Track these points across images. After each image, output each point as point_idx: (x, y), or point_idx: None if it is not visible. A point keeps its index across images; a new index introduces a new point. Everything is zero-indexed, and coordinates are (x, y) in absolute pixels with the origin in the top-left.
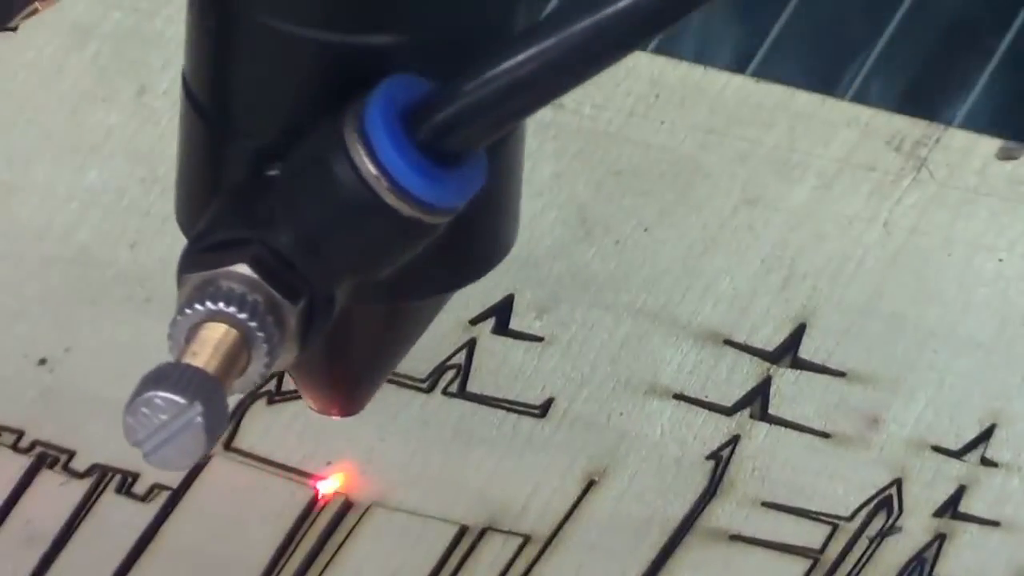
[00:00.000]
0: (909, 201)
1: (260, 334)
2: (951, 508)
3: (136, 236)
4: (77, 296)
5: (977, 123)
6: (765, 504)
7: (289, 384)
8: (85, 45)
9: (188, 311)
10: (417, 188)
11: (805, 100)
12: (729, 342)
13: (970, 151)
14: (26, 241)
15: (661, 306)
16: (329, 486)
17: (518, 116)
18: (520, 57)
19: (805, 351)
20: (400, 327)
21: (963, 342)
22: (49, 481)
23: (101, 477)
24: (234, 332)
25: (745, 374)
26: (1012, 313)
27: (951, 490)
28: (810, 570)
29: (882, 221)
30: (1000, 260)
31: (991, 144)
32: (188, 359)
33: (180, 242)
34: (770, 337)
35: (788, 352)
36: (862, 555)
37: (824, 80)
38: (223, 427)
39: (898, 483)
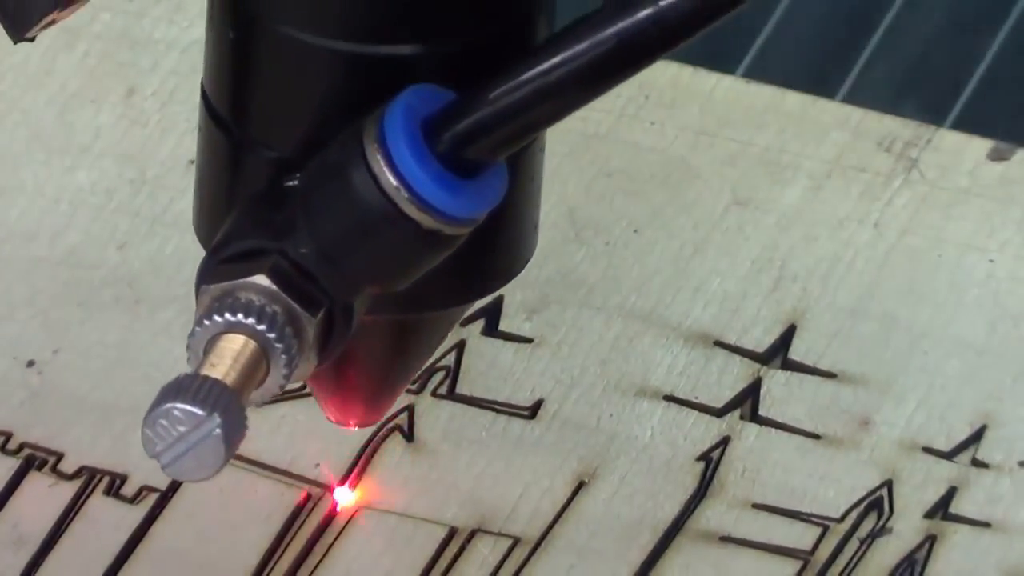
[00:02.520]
0: (900, 202)
1: (279, 346)
2: (942, 509)
3: (125, 238)
4: (66, 298)
5: (968, 124)
6: (756, 505)
7: None
8: (74, 46)
9: (207, 322)
10: (437, 199)
11: (795, 101)
12: (719, 343)
13: (961, 152)
14: (14, 242)
15: (651, 307)
16: (346, 498)
17: (539, 127)
18: (541, 67)
19: (795, 352)
20: (418, 338)
21: (954, 343)
22: (37, 483)
23: (89, 479)
24: (253, 344)
25: (735, 375)
26: (1003, 314)
27: (942, 491)
28: (800, 571)
29: (873, 222)
30: (991, 261)
31: (982, 145)
32: (207, 371)
33: (169, 244)
34: (760, 338)
35: (778, 353)
36: (853, 556)
37: (815, 81)
38: (240, 438)
39: (889, 484)
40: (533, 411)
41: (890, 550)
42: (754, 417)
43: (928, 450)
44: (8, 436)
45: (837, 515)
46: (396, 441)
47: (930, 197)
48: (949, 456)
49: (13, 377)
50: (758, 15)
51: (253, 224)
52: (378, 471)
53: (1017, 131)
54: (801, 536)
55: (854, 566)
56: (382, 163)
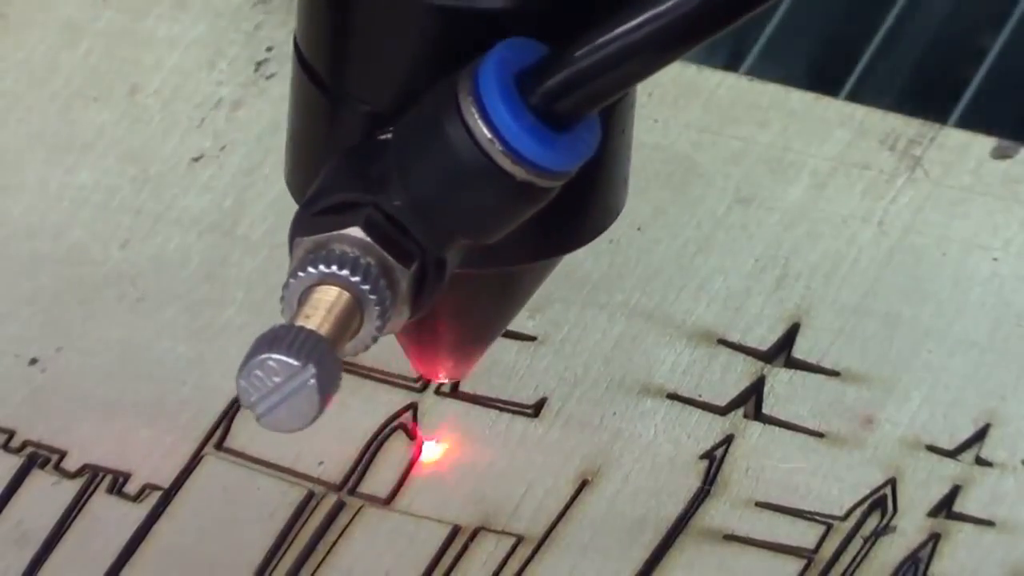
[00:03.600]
0: (903, 200)
1: (372, 297)
2: (946, 508)
3: (128, 235)
4: (68, 295)
5: (972, 122)
6: (759, 504)
7: None
8: (77, 43)
9: (301, 274)
10: (531, 152)
11: (799, 99)
12: (723, 341)
13: (965, 150)
14: (17, 240)
15: (655, 305)
16: (433, 452)
17: (631, 81)
18: (634, 21)
19: (799, 350)
20: (509, 291)
21: (958, 341)
22: (40, 481)
23: (92, 477)
24: (347, 295)
25: (739, 373)
26: (1007, 312)
27: (945, 490)
28: (804, 570)
29: (876, 220)
30: (995, 259)
31: (986, 143)
32: (301, 322)
33: (171, 242)
34: (764, 336)
35: (782, 351)
36: (856, 555)
37: (818, 79)
38: (335, 389)
39: (892, 483)
40: (536, 409)
41: (894, 548)
42: (758, 415)
43: (932, 448)
44: (11, 434)
45: (841, 513)
46: (399, 439)
47: (934, 195)
48: (953, 454)
49: (16, 375)
50: (761, 13)
51: (347, 177)
52: (382, 469)
53: (1021, 129)
54: (805, 534)
55: (858, 564)
56: (476, 116)
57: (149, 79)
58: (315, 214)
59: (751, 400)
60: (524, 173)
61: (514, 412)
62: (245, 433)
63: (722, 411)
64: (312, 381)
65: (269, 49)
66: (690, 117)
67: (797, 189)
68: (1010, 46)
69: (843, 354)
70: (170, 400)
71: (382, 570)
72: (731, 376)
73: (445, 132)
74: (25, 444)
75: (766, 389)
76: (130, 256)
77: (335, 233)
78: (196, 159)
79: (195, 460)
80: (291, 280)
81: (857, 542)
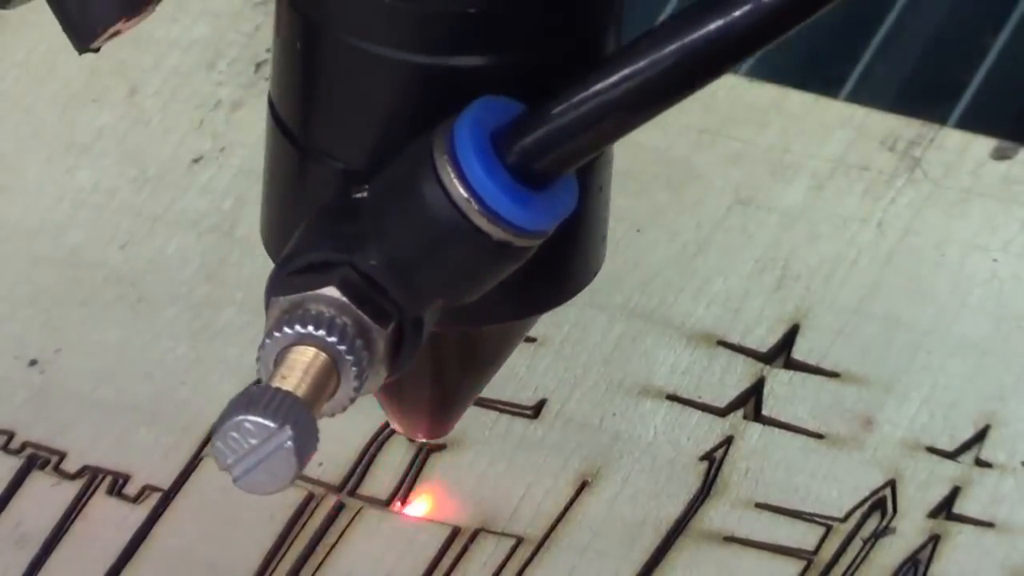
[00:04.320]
0: (903, 201)
1: (349, 358)
2: (945, 509)
3: (127, 237)
4: (68, 297)
5: (971, 123)
6: (759, 505)
7: None
8: None
9: (277, 334)
10: (508, 211)
11: (799, 100)
12: (722, 343)
13: (964, 151)
14: (17, 241)
15: (654, 307)
16: (416, 510)
17: (609, 139)
18: (611, 79)
19: (799, 352)
20: (488, 350)
21: (957, 343)
22: (40, 482)
23: (92, 478)
24: (323, 356)
25: (739, 375)
26: (1006, 313)
27: (945, 491)
28: (804, 571)
29: (876, 221)
30: (994, 260)
31: (985, 144)
32: (278, 383)
33: (171, 243)
34: (763, 338)
35: (782, 353)
36: (856, 556)
37: (818, 80)
38: (313, 451)
39: (892, 484)
40: (536, 411)
41: (893, 550)
42: (757, 417)
43: (932, 450)
44: (10, 435)
45: (840, 515)
46: (397, 441)
47: (933, 196)
48: (953, 456)
49: (15, 376)
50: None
51: (322, 236)
52: (381, 471)
53: (1020, 130)
54: (804, 536)
55: (857, 566)
56: (452, 175)
57: (149, 80)
58: (291, 273)
59: (751, 401)
60: (501, 233)
61: (514, 413)
62: None
63: (722, 412)
64: (289, 443)
65: (268, 50)
66: (689, 118)
67: (797, 190)
68: (1010, 47)
69: (843, 355)
70: (169, 401)
71: (382, 572)
72: (731, 377)
73: (421, 191)
74: (25, 445)
75: (766, 390)
76: (130, 257)
77: (311, 293)
78: (196, 160)
79: (195, 461)
80: (267, 340)
81: (857, 543)
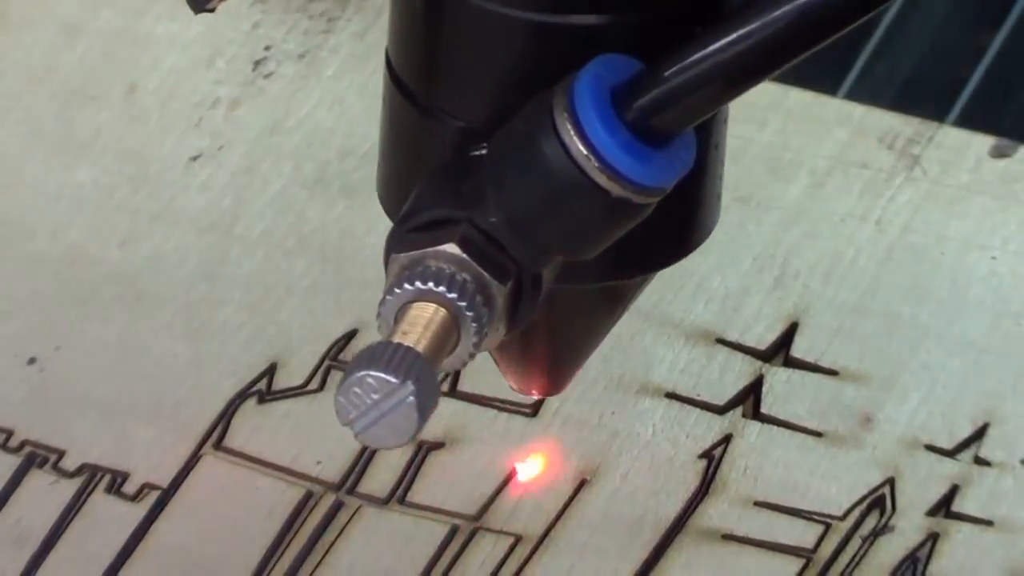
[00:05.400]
0: (902, 199)
1: (469, 314)
2: (944, 507)
3: (126, 235)
4: (67, 295)
5: (970, 121)
6: (758, 503)
7: (279, 383)
8: (75, 43)
9: (397, 291)
10: (627, 168)
11: (797, 98)
12: (721, 341)
13: (963, 149)
14: (15, 239)
15: (653, 304)
16: (528, 470)
17: (726, 98)
18: (729, 38)
19: (797, 350)
20: (604, 307)
21: (956, 341)
22: (38, 481)
23: (91, 476)
24: (443, 311)
25: (737, 373)
26: (1005, 311)
27: (944, 489)
28: (803, 570)
29: (875, 219)
30: (993, 258)
31: (984, 142)
32: (398, 339)
33: (169, 241)
34: (762, 336)
35: (780, 351)
36: (855, 555)
37: (817, 78)
38: (434, 406)
39: (891, 482)
40: (535, 409)
41: (892, 548)
42: (756, 415)
43: (930, 448)
44: (9, 434)
45: (839, 513)
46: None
47: (932, 194)
48: (951, 454)
49: (14, 374)
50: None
51: (441, 193)
52: (380, 468)
53: (1019, 128)
54: (803, 534)
55: (856, 564)
56: (572, 132)
57: (147, 78)
58: (410, 230)
59: (749, 399)
60: (620, 189)
61: (512, 411)
62: (243, 432)
63: (720, 410)
64: (411, 398)
65: (267, 48)
66: None
67: (795, 188)
68: (1009, 46)
69: (841, 353)
70: (168, 399)
71: (381, 569)
72: (729, 375)
73: (540, 148)
74: (24, 443)
75: (764, 388)
76: (128, 255)
77: (431, 250)
78: (194, 158)
79: (193, 459)
80: (387, 297)
81: (855, 542)
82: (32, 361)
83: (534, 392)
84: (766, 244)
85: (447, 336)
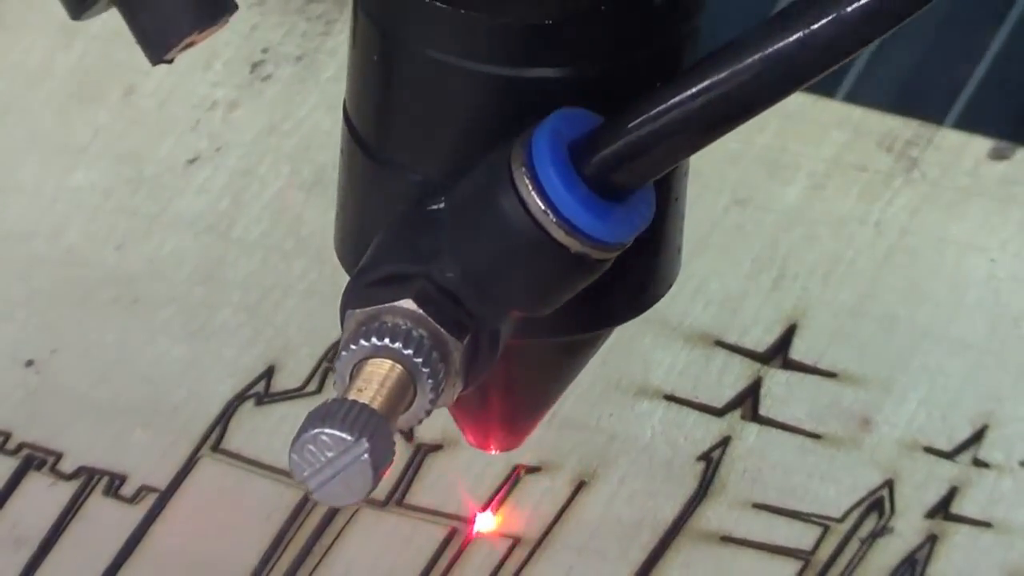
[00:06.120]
0: (900, 201)
1: (426, 370)
2: (943, 509)
3: (123, 237)
4: (64, 297)
5: (969, 123)
6: (756, 505)
7: (277, 386)
8: (72, 45)
9: (353, 347)
10: (586, 224)
11: (796, 100)
12: (720, 343)
13: (962, 151)
14: (12, 242)
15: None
16: (485, 525)
17: (687, 152)
18: (689, 92)
19: (796, 352)
20: (562, 362)
21: (955, 343)
22: (36, 483)
23: (88, 479)
24: (400, 368)
25: (736, 375)
26: (1004, 314)
27: (943, 491)
28: (801, 571)
29: (873, 221)
30: (992, 260)
31: (983, 144)
32: (354, 395)
33: (167, 243)
34: (761, 338)
35: (779, 353)
36: (853, 556)
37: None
38: (389, 464)
39: (890, 484)
40: None
41: (891, 550)
42: (755, 417)
43: (929, 450)
44: (7, 436)
45: (838, 515)
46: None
47: (931, 196)
48: (950, 456)
49: (11, 377)
50: (757, 14)
51: (398, 248)
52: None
53: (1018, 130)
54: (802, 536)
55: (855, 566)
56: (530, 187)
57: (144, 80)
58: (367, 286)
59: (748, 401)
60: (579, 245)
61: None
62: (241, 435)
63: (719, 412)
64: (365, 456)
65: (264, 51)
66: None
67: (794, 190)
68: (1008, 47)
69: (840, 355)
70: (166, 402)
71: (379, 571)
72: (728, 377)
73: (498, 203)
74: (21, 446)
75: (763, 390)
76: (126, 258)
77: (387, 305)
78: (191, 161)
79: (191, 462)
80: (343, 353)
81: (854, 544)
82: (29, 363)
83: (492, 448)
84: (765, 246)
85: (403, 393)
